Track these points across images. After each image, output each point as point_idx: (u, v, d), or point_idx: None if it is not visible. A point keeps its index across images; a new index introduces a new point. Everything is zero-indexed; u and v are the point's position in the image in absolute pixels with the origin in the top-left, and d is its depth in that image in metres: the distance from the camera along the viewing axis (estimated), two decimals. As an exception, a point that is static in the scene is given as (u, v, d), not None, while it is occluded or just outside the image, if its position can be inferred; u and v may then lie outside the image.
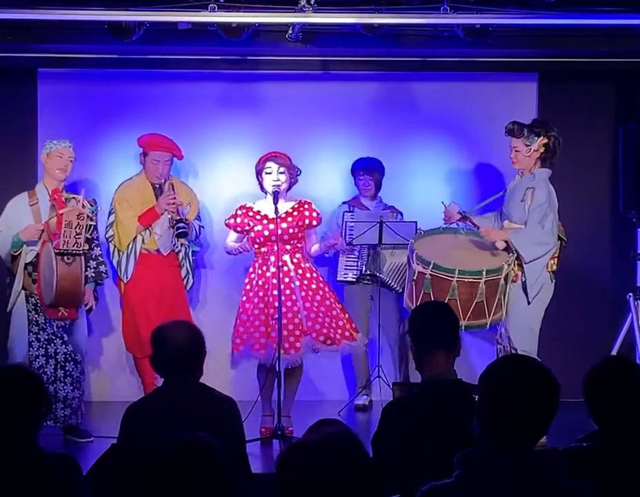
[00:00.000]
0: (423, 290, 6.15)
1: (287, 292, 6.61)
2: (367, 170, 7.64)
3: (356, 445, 2.57)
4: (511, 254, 6.33)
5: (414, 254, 6.25)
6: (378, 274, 7.45)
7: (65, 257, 6.41)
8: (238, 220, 6.81)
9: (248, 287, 6.77)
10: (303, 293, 6.68)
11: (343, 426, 3.87)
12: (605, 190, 8.08)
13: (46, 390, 3.43)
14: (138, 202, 7.17)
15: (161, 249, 7.15)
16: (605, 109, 8.08)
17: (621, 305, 7.54)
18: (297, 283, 6.69)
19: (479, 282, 6.14)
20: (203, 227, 7.48)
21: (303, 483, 2.49)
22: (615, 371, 3.48)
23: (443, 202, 6.75)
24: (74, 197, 6.57)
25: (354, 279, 7.61)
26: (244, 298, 6.76)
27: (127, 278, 7.19)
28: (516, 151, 6.49)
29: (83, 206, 6.53)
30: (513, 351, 6.22)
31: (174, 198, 6.96)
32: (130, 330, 7.23)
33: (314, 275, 6.80)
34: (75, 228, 6.42)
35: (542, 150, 6.46)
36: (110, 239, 7.21)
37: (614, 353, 7.17)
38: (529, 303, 6.34)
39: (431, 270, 6.14)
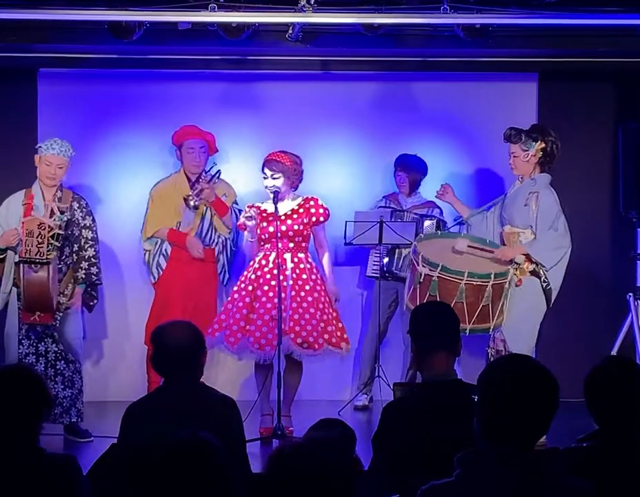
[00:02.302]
0: (428, 293, 6.08)
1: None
2: (403, 167, 7.66)
3: (338, 452, 2.65)
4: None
5: (420, 256, 6.17)
6: (397, 271, 7.48)
7: (33, 265, 6.38)
8: None
9: (242, 278, 6.81)
10: (293, 293, 6.67)
11: (336, 431, 3.91)
12: (605, 190, 8.08)
13: (47, 390, 3.42)
14: (174, 196, 7.22)
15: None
16: (605, 109, 8.08)
17: (621, 305, 7.54)
18: (290, 282, 6.69)
19: (487, 285, 6.11)
20: (241, 211, 7.47)
21: (286, 482, 2.60)
22: (615, 371, 3.48)
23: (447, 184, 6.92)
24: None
25: (378, 275, 7.62)
26: (235, 288, 6.83)
27: (154, 279, 7.28)
28: (514, 157, 6.51)
29: (52, 214, 6.49)
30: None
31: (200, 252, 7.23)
32: (154, 323, 7.21)
33: (312, 276, 6.78)
34: (37, 237, 6.37)
35: (540, 154, 6.48)
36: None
37: (614, 353, 7.17)
38: (548, 307, 6.39)
39: (439, 273, 6.08)
